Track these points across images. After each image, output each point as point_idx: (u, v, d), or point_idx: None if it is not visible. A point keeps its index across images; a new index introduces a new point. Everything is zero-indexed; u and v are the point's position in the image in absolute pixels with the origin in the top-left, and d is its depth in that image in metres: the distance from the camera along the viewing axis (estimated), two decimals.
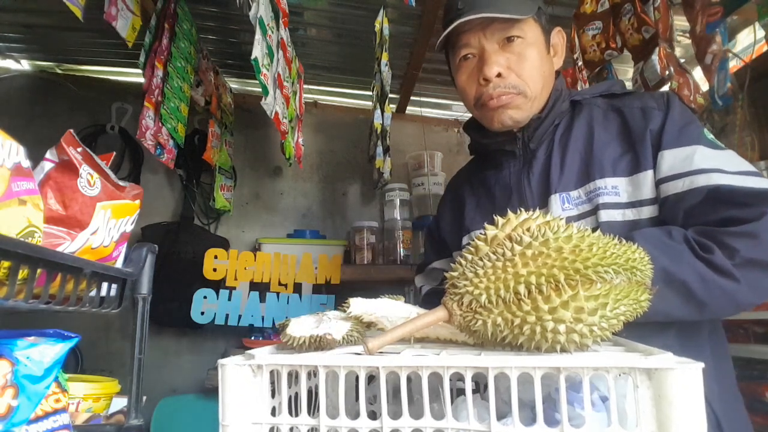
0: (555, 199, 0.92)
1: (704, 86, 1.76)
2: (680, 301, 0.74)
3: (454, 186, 1.23)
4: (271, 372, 0.54)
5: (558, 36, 1.02)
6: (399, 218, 2.42)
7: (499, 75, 0.92)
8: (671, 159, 0.84)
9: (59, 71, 2.66)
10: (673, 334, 0.82)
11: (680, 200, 0.81)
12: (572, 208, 0.91)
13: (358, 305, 0.68)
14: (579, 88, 1.86)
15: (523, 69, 0.92)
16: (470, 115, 1.10)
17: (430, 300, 1.12)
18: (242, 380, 0.53)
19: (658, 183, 0.85)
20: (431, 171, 2.52)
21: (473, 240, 1.06)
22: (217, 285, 2.18)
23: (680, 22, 1.80)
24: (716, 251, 0.74)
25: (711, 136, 0.87)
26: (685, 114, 0.89)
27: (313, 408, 0.60)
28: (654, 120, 0.88)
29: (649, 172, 0.86)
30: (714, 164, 0.80)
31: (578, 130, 0.95)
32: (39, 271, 0.48)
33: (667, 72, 1.49)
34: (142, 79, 1.76)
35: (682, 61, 2.15)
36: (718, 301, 0.75)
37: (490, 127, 0.99)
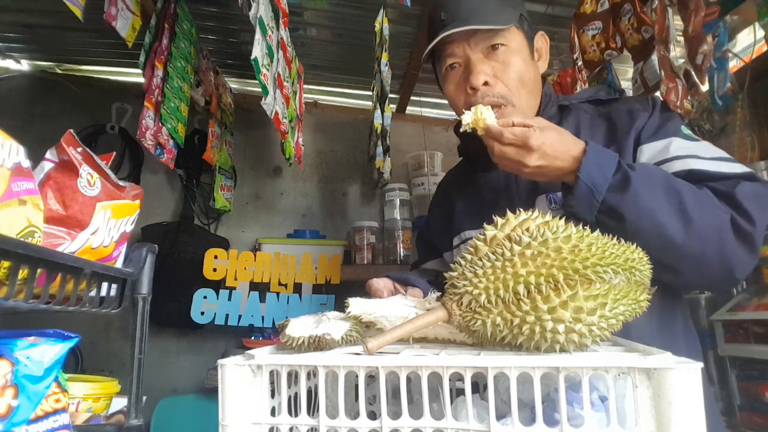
0: (542, 200, 0.95)
1: (705, 86, 1.76)
2: (671, 207, 0.74)
3: (444, 188, 1.25)
4: (271, 372, 0.54)
5: (541, 40, 1.03)
6: (399, 218, 2.42)
7: (486, 83, 0.93)
8: (649, 152, 0.87)
9: (59, 71, 2.66)
10: (655, 325, 0.84)
11: None
12: (559, 207, 0.93)
13: (358, 305, 0.68)
14: (579, 88, 1.86)
15: (509, 77, 0.94)
16: None
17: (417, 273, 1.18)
18: (242, 380, 0.53)
19: None
20: (431, 171, 2.52)
21: (463, 241, 1.09)
22: (217, 285, 2.18)
23: (680, 21, 1.80)
24: (705, 189, 0.78)
25: (688, 131, 0.90)
26: (666, 112, 0.93)
27: (312, 408, 0.60)
28: (640, 119, 0.91)
29: None
30: (689, 152, 0.84)
31: None
32: (39, 271, 0.48)
33: (661, 73, 1.50)
34: (142, 79, 1.76)
35: (682, 61, 2.15)
36: (705, 222, 0.74)
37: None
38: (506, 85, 0.94)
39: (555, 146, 0.78)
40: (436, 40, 0.94)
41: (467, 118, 0.80)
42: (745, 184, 0.77)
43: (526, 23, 0.99)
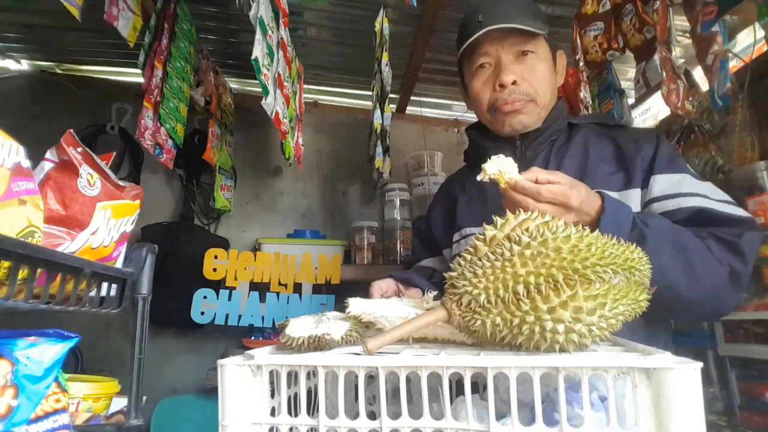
0: None
1: (704, 86, 1.75)
2: (680, 265, 0.81)
3: (446, 187, 1.30)
4: (271, 372, 0.54)
5: (560, 58, 1.12)
6: (399, 218, 2.42)
7: (514, 83, 1.00)
8: (663, 182, 0.93)
9: (59, 71, 2.66)
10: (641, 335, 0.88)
11: (668, 216, 0.89)
12: None
13: (357, 305, 0.68)
14: (581, 89, 1.86)
15: (535, 80, 1.01)
16: (472, 117, 1.18)
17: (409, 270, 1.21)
18: (242, 380, 0.53)
19: (649, 202, 0.94)
20: (431, 171, 2.52)
21: (464, 237, 1.11)
22: (217, 285, 2.18)
23: (680, 21, 1.79)
24: (711, 240, 0.84)
25: (692, 169, 0.98)
26: (672, 148, 1.02)
27: (312, 408, 0.60)
28: (645, 149, 0.98)
29: (637, 191, 0.95)
30: (700, 191, 0.91)
31: (575, 147, 1.04)
32: (39, 271, 0.48)
33: (663, 74, 1.50)
34: (142, 79, 1.76)
35: (682, 61, 2.15)
36: (709, 276, 0.82)
37: (500, 132, 1.07)
38: (531, 86, 1.01)
39: (588, 203, 0.78)
40: (477, 34, 0.99)
41: (490, 169, 0.74)
42: (749, 235, 0.85)
43: (552, 40, 1.07)
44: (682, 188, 0.91)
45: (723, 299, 0.85)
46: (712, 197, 0.90)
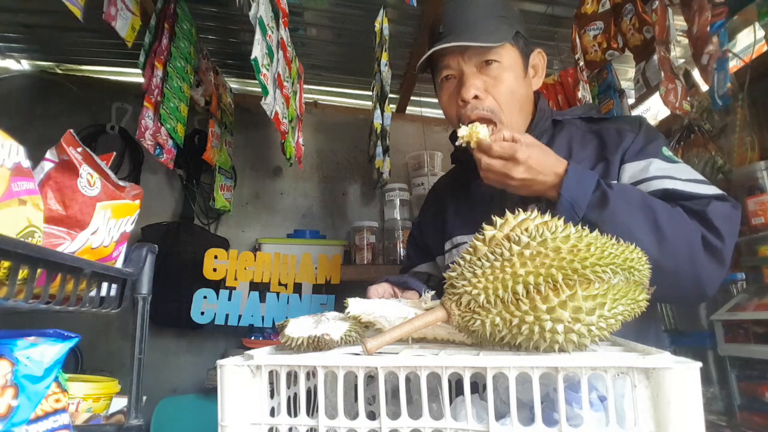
0: (534, 209, 0.96)
1: (704, 86, 1.75)
2: (646, 224, 0.79)
3: (436, 191, 1.27)
4: (270, 372, 0.54)
5: (538, 57, 1.07)
6: (399, 218, 2.42)
7: (476, 97, 0.97)
8: (630, 171, 0.92)
9: (59, 71, 2.66)
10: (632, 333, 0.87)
11: None
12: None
13: (357, 305, 0.68)
14: (581, 88, 1.87)
15: (500, 92, 0.97)
16: None
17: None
18: (241, 381, 0.53)
19: None
20: (431, 171, 2.52)
21: (455, 245, 1.10)
22: (217, 285, 2.19)
23: (681, 21, 1.80)
24: (679, 209, 0.82)
25: (669, 153, 0.95)
26: (650, 133, 0.97)
27: (312, 408, 0.60)
28: (627, 139, 0.96)
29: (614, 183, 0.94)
30: (667, 173, 0.89)
31: (558, 147, 1.01)
32: (39, 271, 0.48)
33: (661, 74, 1.50)
34: (142, 79, 1.76)
35: (682, 61, 2.15)
36: (677, 238, 0.79)
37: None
38: (496, 100, 0.97)
39: (540, 161, 0.83)
40: (429, 52, 0.98)
41: (463, 132, 0.85)
42: (717, 204, 0.82)
43: (522, 40, 1.02)
44: (649, 172, 0.90)
45: (699, 269, 0.79)
46: (679, 177, 0.88)
